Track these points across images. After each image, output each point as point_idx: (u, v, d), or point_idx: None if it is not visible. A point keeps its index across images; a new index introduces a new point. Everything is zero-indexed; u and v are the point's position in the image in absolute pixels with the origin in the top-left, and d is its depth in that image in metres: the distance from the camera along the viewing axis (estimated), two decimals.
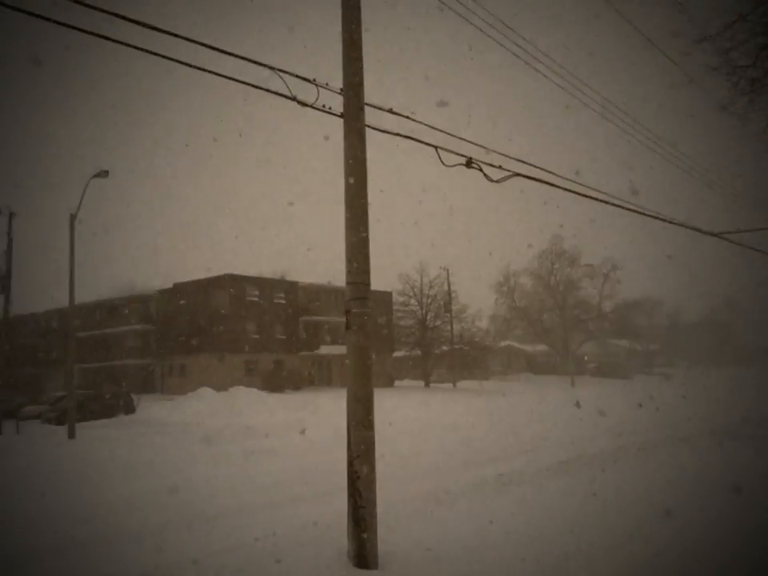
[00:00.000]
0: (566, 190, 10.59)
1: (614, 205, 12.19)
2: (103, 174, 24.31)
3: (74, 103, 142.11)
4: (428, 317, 55.95)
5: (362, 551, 6.67)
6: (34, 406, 37.51)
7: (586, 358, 75.32)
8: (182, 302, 50.71)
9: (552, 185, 10.01)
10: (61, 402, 32.91)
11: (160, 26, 6.44)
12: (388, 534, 7.21)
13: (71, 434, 23.28)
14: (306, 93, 7.45)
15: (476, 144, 8.68)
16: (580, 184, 11.01)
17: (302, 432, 21.80)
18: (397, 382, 56.91)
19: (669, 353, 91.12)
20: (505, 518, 8.76)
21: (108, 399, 34.70)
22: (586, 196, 11.23)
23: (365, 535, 6.69)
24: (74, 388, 25.69)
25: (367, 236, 7.38)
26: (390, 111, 8.10)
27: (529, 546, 7.43)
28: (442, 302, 56.13)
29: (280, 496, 11.31)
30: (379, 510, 6.91)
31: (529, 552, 7.21)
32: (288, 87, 7.30)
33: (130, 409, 34.31)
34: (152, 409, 34.03)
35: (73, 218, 25.12)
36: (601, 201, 11.66)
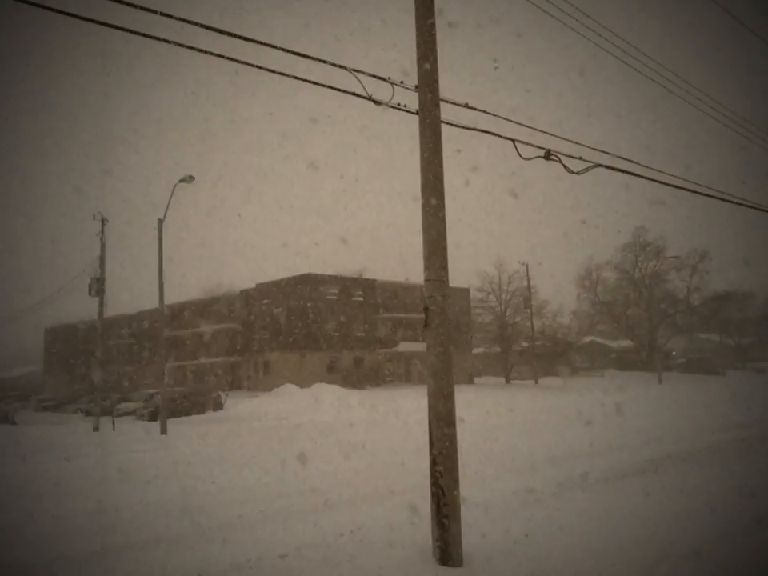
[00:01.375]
0: (649, 179, 10.22)
1: (700, 194, 11.68)
2: (189, 179, 25.20)
3: (162, 111, 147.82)
4: (507, 313, 55.27)
5: (446, 549, 6.65)
6: (128, 403, 39.43)
7: (673, 353, 72.48)
8: (264, 301, 52.04)
9: (636, 175, 9.68)
10: (153, 399, 34.39)
11: (229, 30, 6.62)
12: (472, 532, 7.16)
13: (163, 430, 24.29)
14: (380, 92, 7.49)
15: (554, 135, 8.50)
16: (664, 173, 10.61)
17: (384, 427, 21.95)
18: (476, 379, 56.48)
19: (763, 347, 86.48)
20: (591, 517, 8.55)
21: (197, 396, 36.00)
22: (672, 185, 10.81)
23: (448, 533, 6.66)
24: (165, 386, 26.80)
25: (445, 232, 7.35)
26: (466, 106, 8.04)
27: (616, 548, 7.22)
28: (521, 298, 55.34)
29: (364, 491, 11.43)
30: (463, 508, 6.87)
31: (617, 554, 7.00)
32: (363, 87, 7.36)
33: (218, 405, 35.48)
34: (239, 405, 35.05)
35: (160, 222, 26.18)
36: (687, 190, 11.20)
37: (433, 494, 6.81)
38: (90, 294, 29.63)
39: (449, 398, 7.02)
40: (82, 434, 25.65)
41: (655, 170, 10.14)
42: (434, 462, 6.87)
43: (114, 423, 28.63)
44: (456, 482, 6.82)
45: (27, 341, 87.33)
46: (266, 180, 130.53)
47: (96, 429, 27.48)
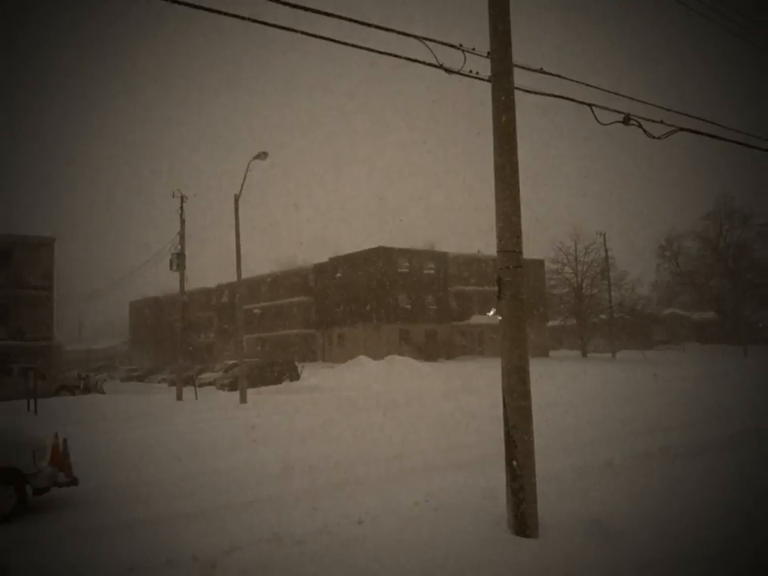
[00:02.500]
0: (735, 142, 9.72)
1: None
2: (263, 155, 25.63)
3: (241, 89, 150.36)
4: (584, 284, 54.02)
5: (521, 519, 6.66)
6: (209, 374, 40.90)
7: (760, 325, 69.22)
8: (337, 275, 52.68)
9: (720, 138, 9.22)
10: (232, 369, 35.55)
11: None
12: (548, 504, 7.13)
13: (243, 399, 25.13)
14: (450, 59, 7.38)
15: (634, 99, 8.18)
16: (752, 135, 10.06)
17: (459, 399, 22.01)
18: (552, 352, 55.66)
19: None
20: (671, 492, 8.37)
21: (275, 367, 36.98)
22: (759, 148, 10.24)
23: (524, 504, 6.66)
24: (243, 357, 27.64)
25: (518, 202, 7.22)
26: (541, 71, 7.83)
27: (693, 523, 7.05)
28: (598, 269, 53.94)
29: (440, 461, 11.55)
30: (538, 480, 6.85)
31: (693, 529, 6.84)
32: (434, 55, 7.27)
33: (294, 376, 36.34)
34: (315, 376, 35.79)
35: (237, 198, 26.80)
36: None
37: (507, 465, 6.81)
38: (171, 268, 30.73)
39: (523, 371, 6.97)
40: (167, 403, 26.82)
41: (742, 132, 9.64)
42: (508, 434, 6.86)
43: (196, 392, 29.74)
44: (531, 453, 6.79)
45: (114, 314, 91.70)
46: (336, 156, 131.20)
47: (179, 398, 28.66)
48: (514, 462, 6.75)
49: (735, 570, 5.94)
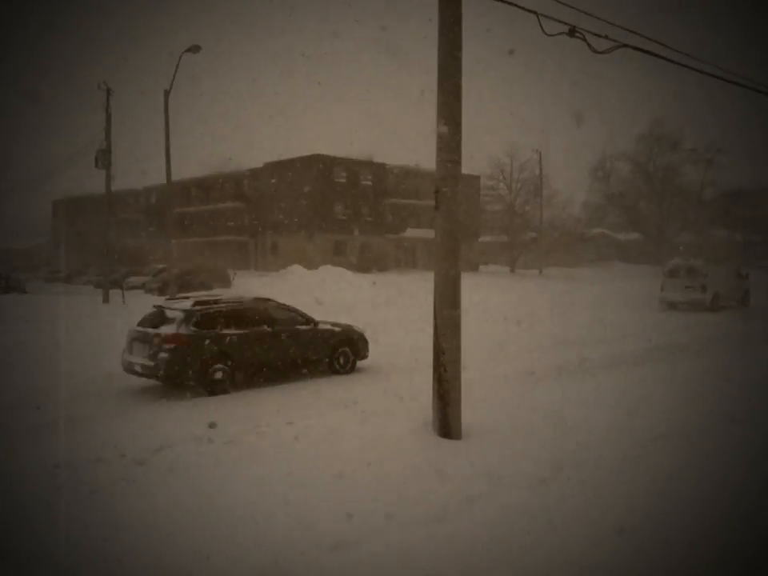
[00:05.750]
0: (677, 63, 9.76)
1: (731, 82, 11.19)
2: (195, 48, 24.27)
3: None
4: (517, 202, 54.68)
5: (446, 422, 6.94)
6: (137, 277, 39.97)
7: (681, 248, 72.23)
8: (272, 181, 51.51)
9: (663, 58, 9.24)
10: (162, 273, 34.82)
11: None
12: (470, 408, 7.44)
13: None
14: None
15: (580, 10, 8.04)
16: (692, 56, 10.11)
17: (392, 308, 22.34)
18: (482, 268, 56.78)
19: None
20: (586, 398, 8.86)
21: (205, 273, 36.42)
22: (698, 71, 10.32)
23: (449, 408, 6.93)
24: (172, 261, 27.06)
25: (460, 113, 7.14)
26: None
27: (605, 424, 7.51)
28: (532, 187, 54.54)
29: (372, 368, 11.81)
30: (463, 387, 7.11)
31: (607, 429, 7.30)
32: None
33: (226, 282, 35.94)
34: (247, 284, 35.51)
35: (167, 94, 25.48)
36: (718, 77, 10.70)
37: (435, 371, 7.03)
38: (96, 166, 29.25)
39: (454, 281, 7.09)
40: (93, 305, 26.20)
41: (683, 53, 9.67)
42: (437, 341, 7.04)
43: (123, 295, 29.09)
44: (458, 360, 7.02)
45: (36, 212, 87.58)
46: (276, 59, 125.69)
47: (106, 300, 28.02)
48: (441, 369, 6.97)
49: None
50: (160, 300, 12.86)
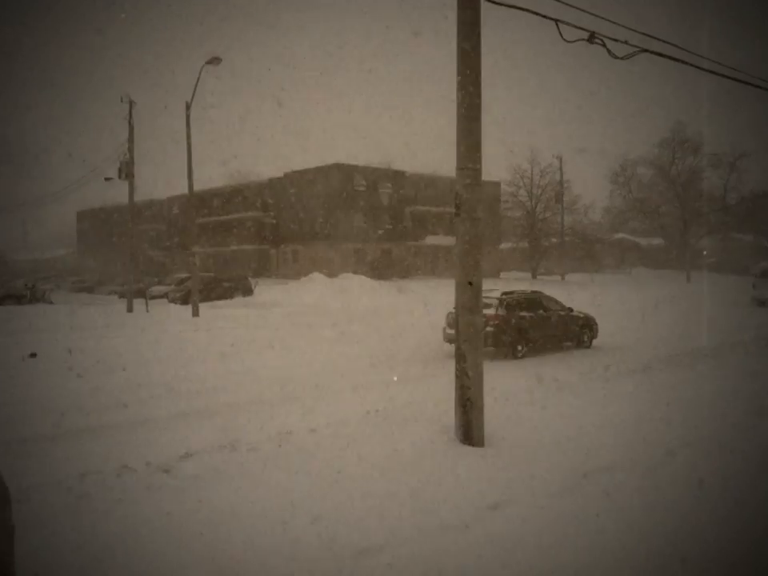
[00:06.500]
0: (697, 67, 9.71)
1: (751, 84, 11.10)
2: (216, 61, 24.56)
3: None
4: (538, 208, 54.46)
5: (468, 429, 6.94)
6: (160, 287, 40.42)
7: (704, 252, 71.43)
8: (292, 190, 51.82)
9: (683, 62, 9.19)
10: (185, 283, 35.17)
11: None
12: (494, 415, 7.43)
13: (195, 313, 25.03)
14: None
15: (600, 17, 8.04)
16: (713, 60, 10.05)
17: (413, 314, 22.35)
18: (503, 274, 56.60)
19: None
20: (612, 406, 8.80)
21: (228, 282, 36.73)
22: (718, 74, 10.25)
23: (471, 414, 6.93)
24: (196, 270, 27.33)
25: (479, 120, 7.16)
26: None
27: (630, 433, 7.46)
28: (552, 193, 54.31)
29: (389, 375, 11.83)
30: (486, 392, 7.11)
31: (631, 439, 7.25)
32: None
33: (248, 291, 36.21)
34: (268, 292, 35.76)
35: (188, 106, 25.80)
36: (739, 81, 10.62)
37: (457, 377, 7.04)
38: (119, 177, 29.71)
39: (475, 288, 7.10)
40: (117, 315, 26.54)
41: (704, 57, 9.62)
42: (459, 347, 7.05)
43: (147, 305, 29.44)
44: (480, 366, 7.02)
45: (61, 224, 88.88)
46: (297, 69, 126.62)
47: (130, 310, 28.37)
48: (464, 375, 6.97)
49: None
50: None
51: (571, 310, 15.93)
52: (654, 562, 4.51)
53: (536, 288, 19.46)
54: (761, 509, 5.42)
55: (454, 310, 11.32)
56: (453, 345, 10.93)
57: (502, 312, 14.23)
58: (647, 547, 4.68)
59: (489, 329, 13.45)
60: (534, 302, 15.31)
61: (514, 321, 14.28)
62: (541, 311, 15.14)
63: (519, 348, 14.37)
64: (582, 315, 16.16)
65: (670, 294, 35.21)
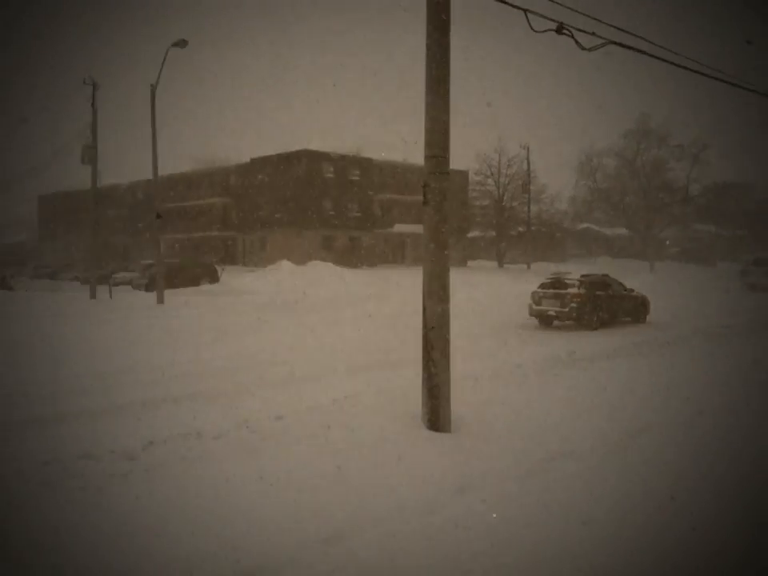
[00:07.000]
0: (663, 60, 9.84)
1: (713, 78, 11.29)
2: (182, 43, 24.17)
3: None
4: (505, 197, 54.82)
5: (435, 416, 7.00)
6: (124, 273, 39.76)
7: (668, 242, 72.70)
8: (259, 176, 51.34)
9: (649, 54, 9.31)
10: (149, 269, 34.64)
11: None
12: (460, 402, 7.50)
13: (160, 300, 24.70)
14: None
15: (568, 8, 8.09)
16: (679, 54, 10.20)
17: (376, 303, 22.37)
18: (470, 263, 56.94)
19: (757, 239, 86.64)
20: (574, 390, 8.95)
21: (193, 268, 36.28)
22: (684, 67, 10.41)
23: (438, 401, 6.99)
24: (161, 257, 26.94)
25: (448, 108, 7.17)
26: None
27: (590, 418, 7.60)
28: (520, 183, 54.69)
29: (359, 362, 11.85)
30: (452, 379, 7.17)
31: (591, 424, 7.39)
32: None
33: (214, 278, 35.82)
34: (235, 279, 35.42)
35: (153, 89, 25.35)
36: (703, 74, 10.80)
37: (424, 364, 7.08)
38: (82, 161, 29.04)
39: (443, 276, 7.14)
40: (79, 301, 26.05)
41: (670, 50, 9.75)
42: (426, 335, 7.09)
43: (111, 292, 28.92)
44: (447, 353, 7.08)
45: (21, 208, 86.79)
46: (263, 53, 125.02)
47: (93, 297, 27.86)
48: (431, 363, 7.02)
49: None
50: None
51: (632, 290, 18.78)
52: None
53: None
54: None
55: (538, 289, 17.76)
56: (534, 318, 17.74)
57: (582, 291, 17.10)
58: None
59: (573, 305, 16.82)
60: (604, 283, 18.15)
61: (592, 298, 17.16)
62: (609, 291, 17.99)
63: (595, 320, 17.18)
64: (639, 295, 18.89)
65: (643, 282, 35.68)
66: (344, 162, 50.44)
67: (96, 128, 28.72)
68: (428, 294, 7.14)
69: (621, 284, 18.74)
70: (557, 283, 17.92)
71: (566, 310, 16.80)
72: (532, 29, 7.54)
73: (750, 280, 32.93)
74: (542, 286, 17.97)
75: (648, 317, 18.85)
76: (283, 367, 11.36)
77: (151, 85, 25.30)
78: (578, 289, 17.16)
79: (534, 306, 17.55)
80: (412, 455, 6.29)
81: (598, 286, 17.74)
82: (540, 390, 9.13)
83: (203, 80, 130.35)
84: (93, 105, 28.58)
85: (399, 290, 29.14)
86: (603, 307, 17.45)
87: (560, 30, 7.83)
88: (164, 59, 24.45)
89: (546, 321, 17.87)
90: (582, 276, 18.32)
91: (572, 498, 5.42)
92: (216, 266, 38.11)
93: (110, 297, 27.79)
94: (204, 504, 5.16)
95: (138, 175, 58.59)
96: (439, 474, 5.84)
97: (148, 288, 31.97)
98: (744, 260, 36.53)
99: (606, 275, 19.14)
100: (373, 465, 6.03)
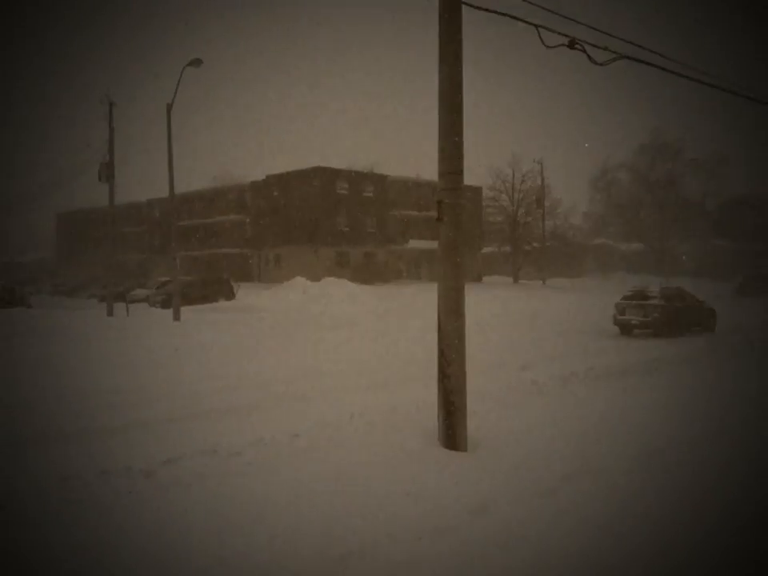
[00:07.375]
0: (676, 73, 9.82)
1: (729, 91, 11.24)
2: (196, 62, 24.42)
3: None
4: (519, 212, 54.76)
5: (451, 434, 6.94)
6: (141, 290, 40.03)
7: (684, 257, 72.19)
8: (274, 193, 51.66)
9: (662, 68, 9.30)
10: (165, 286, 34.86)
11: None
12: (476, 420, 7.44)
13: (176, 317, 24.81)
14: None
15: (580, 23, 8.10)
16: (692, 67, 10.17)
17: (391, 319, 22.34)
18: (485, 278, 56.79)
19: None
20: (590, 408, 8.85)
21: (209, 285, 36.46)
22: (698, 80, 10.38)
23: (454, 419, 6.93)
24: (177, 274, 27.09)
25: (461, 124, 7.19)
26: None
27: (611, 435, 7.51)
28: (534, 197, 54.61)
29: (376, 377, 11.82)
30: (468, 396, 7.11)
31: (610, 442, 7.30)
32: None
33: (230, 295, 35.97)
34: (250, 296, 35.54)
35: (169, 107, 25.64)
36: (716, 87, 10.76)
37: (440, 382, 7.04)
38: (99, 179, 29.39)
39: (458, 292, 7.12)
40: (97, 319, 26.22)
41: (682, 63, 9.73)
42: (441, 353, 7.06)
43: (127, 309, 29.12)
44: (463, 371, 7.03)
45: (40, 226, 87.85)
46: (281, 73, 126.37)
47: (110, 314, 28.05)
48: (446, 380, 6.98)
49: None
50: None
51: (703, 302, 20.62)
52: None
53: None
54: None
55: (621, 300, 19.69)
56: (618, 327, 19.49)
57: (663, 302, 19.02)
58: None
59: (655, 315, 18.72)
60: (680, 296, 20.13)
61: (671, 309, 18.96)
62: (685, 302, 19.92)
63: (674, 329, 18.91)
64: (709, 307, 20.68)
65: None
66: (358, 179, 50.64)
67: (113, 146, 29.07)
68: (443, 310, 7.12)
69: (693, 296, 20.64)
70: (639, 295, 19.68)
71: (649, 319, 18.64)
72: (544, 44, 7.55)
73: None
74: (625, 297, 19.83)
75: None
76: (302, 383, 11.35)
77: (167, 104, 25.59)
78: (659, 300, 19.07)
79: (618, 316, 19.42)
80: (422, 471, 6.23)
81: (674, 298, 19.65)
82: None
83: (218, 97, 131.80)
84: (110, 123, 28.94)
85: (414, 306, 29.11)
86: (680, 317, 19.22)
87: (572, 44, 7.84)
88: (179, 79, 24.75)
89: (626, 329, 19.48)
90: (662, 288, 20.46)
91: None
92: (232, 283, 38.28)
93: (127, 314, 27.99)
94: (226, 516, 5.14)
95: (157, 191, 59.22)
96: (453, 496, 5.77)
97: (164, 305, 32.14)
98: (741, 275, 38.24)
99: (681, 288, 21.07)
100: (387, 482, 5.99)
